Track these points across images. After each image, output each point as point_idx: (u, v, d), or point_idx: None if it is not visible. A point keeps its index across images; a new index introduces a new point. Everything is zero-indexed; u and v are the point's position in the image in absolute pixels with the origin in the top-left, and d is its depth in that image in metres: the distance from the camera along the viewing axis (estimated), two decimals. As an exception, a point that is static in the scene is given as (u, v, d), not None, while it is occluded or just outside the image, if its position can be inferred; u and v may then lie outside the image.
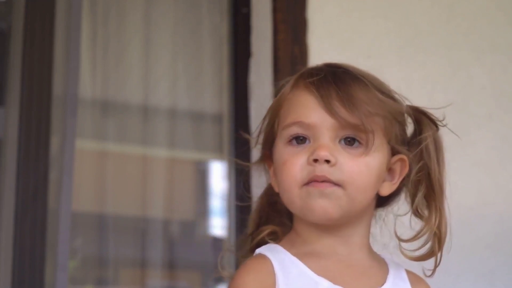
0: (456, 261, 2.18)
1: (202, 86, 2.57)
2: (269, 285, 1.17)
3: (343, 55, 2.22)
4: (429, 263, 1.25)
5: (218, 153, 2.61)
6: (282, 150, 1.23)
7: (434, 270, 1.26)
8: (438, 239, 1.23)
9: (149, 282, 2.49)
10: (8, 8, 2.27)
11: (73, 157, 2.16)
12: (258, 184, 1.42)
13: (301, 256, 1.21)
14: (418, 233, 1.23)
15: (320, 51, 2.25)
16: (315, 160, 1.18)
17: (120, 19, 2.51)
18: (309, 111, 1.21)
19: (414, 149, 1.26)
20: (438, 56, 2.42)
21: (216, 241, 2.64)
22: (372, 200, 1.25)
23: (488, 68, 2.47)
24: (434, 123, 1.28)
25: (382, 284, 1.23)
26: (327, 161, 1.18)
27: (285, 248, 1.23)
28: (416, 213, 1.25)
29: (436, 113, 1.30)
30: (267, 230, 1.32)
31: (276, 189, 1.26)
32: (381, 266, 1.27)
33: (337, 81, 1.22)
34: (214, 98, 2.56)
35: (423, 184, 1.25)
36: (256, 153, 1.41)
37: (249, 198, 1.45)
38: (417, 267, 1.28)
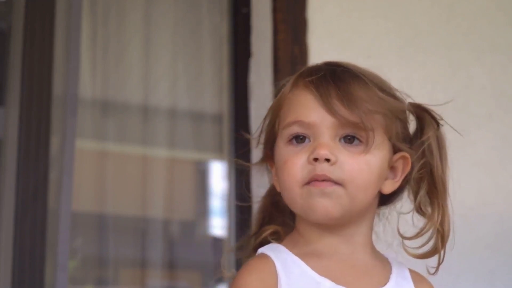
0: (456, 261, 2.17)
1: (202, 86, 2.56)
2: (271, 285, 1.17)
3: (343, 55, 2.20)
4: (433, 261, 1.25)
5: (218, 153, 2.61)
6: (282, 149, 1.23)
7: (437, 268, 1.25)
8: (441, 236, 1.23)
9: (149, 282, 2.49)
10: (8, 8, 2.26)
11: (73, 157, 2.16)
12: (259, 184, 1.42)
13: (303, 256, 1.20)
14: (421, 230, 1.23)
15: (320, 51, 2.25)
16: (315, 159, 1.17)
17: (120, 19, 2.51)
18: (309, 110, 1.21)
19: (417, 146, 1.25)
20: (438, 56, 2.41)
21: (216, 241, 2.64)
22: (374, 199, 1.25)
23: (488, 68, 2.47)
24: (436, 121, 1.28)
25: (385, 284, 1.22)
26: (327, 160, 1.17)
27: (287, 247, 1.22)
28: (419, 210, 1.25)
29: (436, 112, 1.29)
30: (269, 230, 1.32)
31: (278, 189, 1.26)
32: (384, 265, 1.26)
33: (336, 80, 1.21)
34: (214, 98, 2.56)
35: (425, 181, 1.25)
36: (256, 153, 1.41)
37: (250, 198, 1.45)
38: (420, 266, 1.27)
